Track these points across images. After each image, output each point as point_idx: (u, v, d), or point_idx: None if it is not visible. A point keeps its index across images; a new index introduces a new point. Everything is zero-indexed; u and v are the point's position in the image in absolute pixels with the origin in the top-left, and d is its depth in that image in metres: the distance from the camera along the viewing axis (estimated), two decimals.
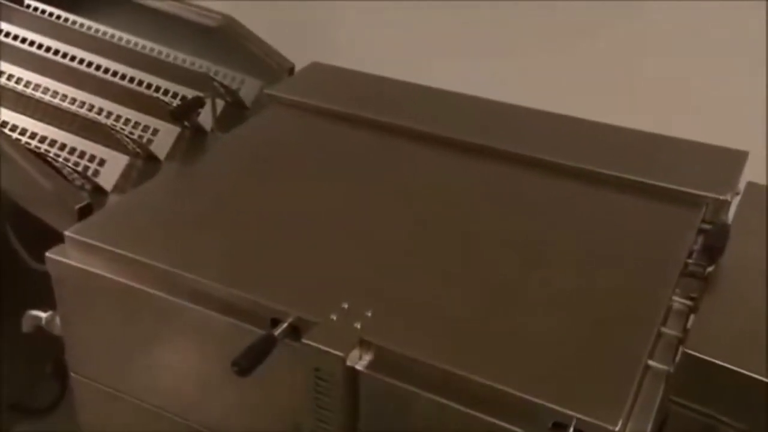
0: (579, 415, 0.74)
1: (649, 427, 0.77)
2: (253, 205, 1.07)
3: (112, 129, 1.28)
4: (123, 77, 1.45)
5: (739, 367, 0.77)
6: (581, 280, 0.93)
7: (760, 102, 1.43)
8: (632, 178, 1.11)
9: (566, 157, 1.15)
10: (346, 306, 0.86)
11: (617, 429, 0.72)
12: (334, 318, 0.84)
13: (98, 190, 1.19)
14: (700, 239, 1.01)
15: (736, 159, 1.15)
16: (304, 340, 0.81)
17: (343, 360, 0.80)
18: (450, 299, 0.90)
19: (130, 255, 0.94)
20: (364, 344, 0.82)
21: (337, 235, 1.01)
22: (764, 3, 1.40)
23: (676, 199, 1.07)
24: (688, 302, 0.91)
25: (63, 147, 1.27)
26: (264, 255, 0.97)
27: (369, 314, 0.85)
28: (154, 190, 1.10)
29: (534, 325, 0.86)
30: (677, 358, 0.83)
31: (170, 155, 1.29)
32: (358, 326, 0.83)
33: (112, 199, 1.19)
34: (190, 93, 1.38)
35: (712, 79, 1.48)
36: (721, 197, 1.06)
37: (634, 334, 0.84)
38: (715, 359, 0.77)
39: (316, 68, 1.44)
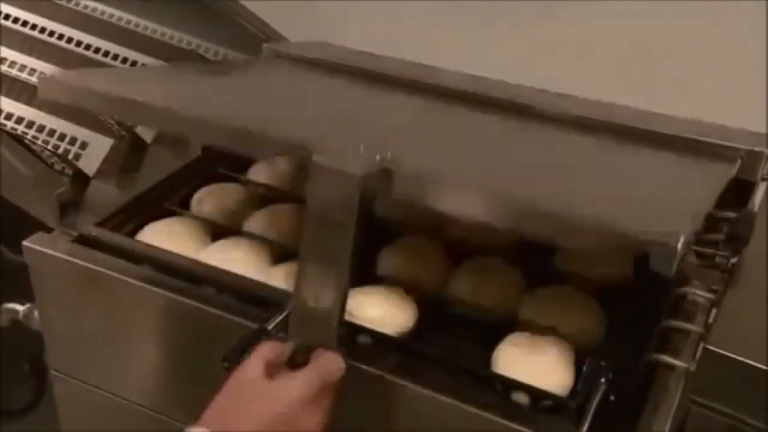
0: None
1: (668, 426, 0.78)
2: None
3: None
4: (105, 54, 1.46)
5: (764, 364, 0.77)
6: None
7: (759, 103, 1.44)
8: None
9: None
10: None
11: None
12: None
13: (80, 175, 1.20)
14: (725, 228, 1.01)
15: (757, 142, 1.15)
16: None
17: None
18: None
19: None
20: None
21: None
22: (764, 3, 1.42)
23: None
24: (710, 295, 0.91)
25: (41, 129, 1.27)
26: None
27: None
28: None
29: None
30: (698, 355, 0.82)
31: (157, 138, 1.29)
32: None
33: (95, 184, 1.19)
34: None
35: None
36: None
37: None
38: (739, 356, 0.78)
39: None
